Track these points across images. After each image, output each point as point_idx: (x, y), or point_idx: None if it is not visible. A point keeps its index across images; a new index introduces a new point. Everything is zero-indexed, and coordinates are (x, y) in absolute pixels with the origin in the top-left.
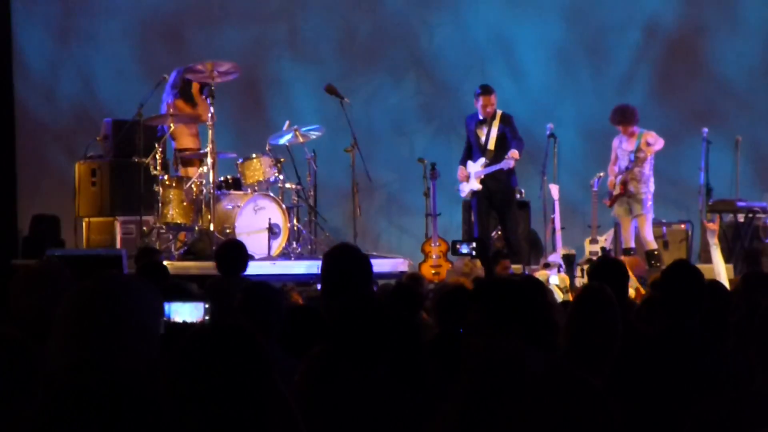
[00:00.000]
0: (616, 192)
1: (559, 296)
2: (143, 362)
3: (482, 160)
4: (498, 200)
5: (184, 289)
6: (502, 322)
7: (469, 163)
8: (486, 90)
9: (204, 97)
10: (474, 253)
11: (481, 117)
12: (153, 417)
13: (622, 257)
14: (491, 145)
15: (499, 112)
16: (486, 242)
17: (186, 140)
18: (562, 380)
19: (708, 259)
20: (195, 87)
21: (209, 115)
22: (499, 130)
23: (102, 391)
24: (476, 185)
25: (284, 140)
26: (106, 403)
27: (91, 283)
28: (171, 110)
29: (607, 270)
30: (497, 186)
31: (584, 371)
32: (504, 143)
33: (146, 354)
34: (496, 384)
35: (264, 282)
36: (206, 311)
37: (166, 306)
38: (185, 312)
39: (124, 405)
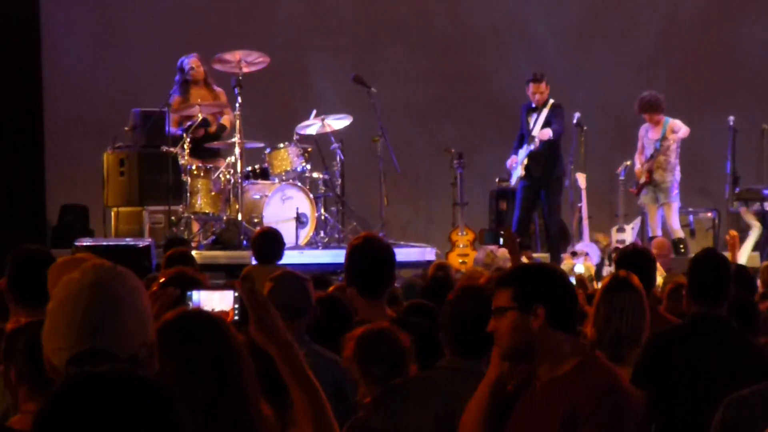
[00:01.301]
0: (642, 180)
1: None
2: (143, 345)
3: (528, 148)
4: (541, 185)
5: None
6: (527, 306)
7: (520, 150)
8: (536, 78)
9: (210, 88)
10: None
11: (533, 105)
12: (159, 398)
13: (655, 239)
14: (536, 133)
15: (550, 101)
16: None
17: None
18: (586, 365)
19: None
20: (197, 77)
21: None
22: (546, 117)
23: (110, 379)
24: (520, 171)
25: (311, 130)
26: (117, 391)
27: (80, 272)
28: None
29: (634, 258)
30: (541, 172)
31: (611, 360)
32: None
33: (144, 336)
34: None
35: (292, 271)
36: (235, 299)
37: (195, 294)
38: (215, 301)
39: (132, 391)
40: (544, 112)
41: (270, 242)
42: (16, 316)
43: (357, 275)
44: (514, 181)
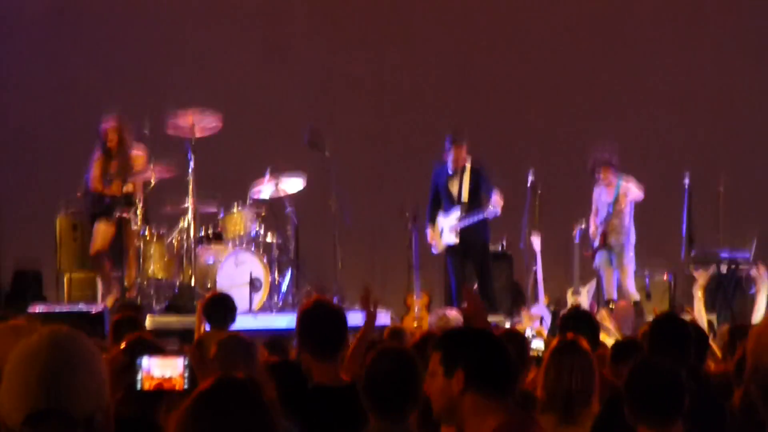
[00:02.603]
0: (597, 243)
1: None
2: (98, 408)
3: (457, 213)
4: (475, 252)
5: (158, 346)
6: (450, 369)
7: (441, 218)
8: (458, 141)
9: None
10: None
11: (450, 171)
12: None
13: (616, 303)
14: (465, 197)
15: (468, 163)
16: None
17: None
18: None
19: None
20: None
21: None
22: (471, 181)
23: None
24: (452, 239)
25: (265, 193)
26: None
27: (37, 335)
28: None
29: (578, 321)
30: (474, 238)
31: (562, 422)
32: (478, 194)
33: (100, 400)
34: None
35: (237, 335)
36: (185, 367)
37: (145, 360)
38: (166, 367)
39: None
40: (466, 176)
41: (221, 307)
42: None
43: (309, 338)
44: (439, 249)
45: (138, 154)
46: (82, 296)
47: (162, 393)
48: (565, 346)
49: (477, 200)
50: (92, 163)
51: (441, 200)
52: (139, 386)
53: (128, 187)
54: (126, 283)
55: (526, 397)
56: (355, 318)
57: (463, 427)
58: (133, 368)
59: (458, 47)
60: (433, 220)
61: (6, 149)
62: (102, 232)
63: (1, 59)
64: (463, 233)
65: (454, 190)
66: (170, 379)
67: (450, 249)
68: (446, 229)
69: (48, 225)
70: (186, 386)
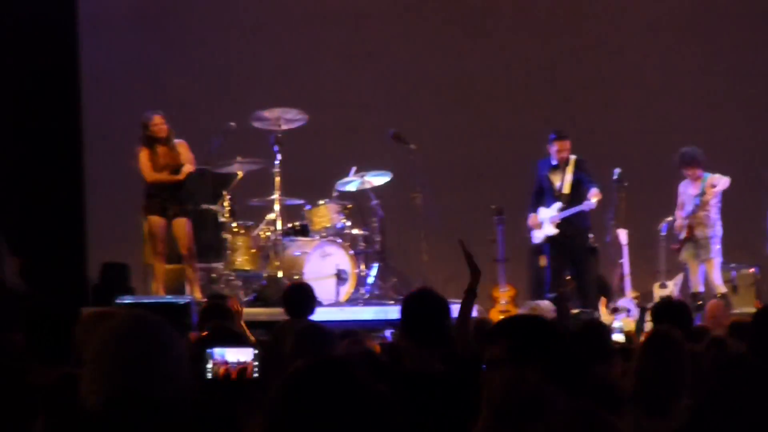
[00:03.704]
0: (683, 236)
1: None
2: (177, 393)
3: (558, 205)
4: (574, 245)
5: (237, 335)
6: (523, 359)
7: (541, 209)
8: (561, 135)
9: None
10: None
11: (555, 162)
12: None
13: (709, 302)
14: (566, 190)
15: (573, 158)
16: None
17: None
18: (583, 420)
19: None
20: (152, 131)
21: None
22: (574, 175)
23: (145, 421)
24: (552, 230)
25: (351, 186)
26: None
27: (118, 319)
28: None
29: (670, 311)
30: (573, 230)
31: (652, 414)
32: (579, 188)
33: (179, 385)
34: (515, 420)
35: (317, 324)
36: (255, 356)
37: (217, 350)
38: (236, 356)
39: None
40: (569, 170)
41: (299, 296)
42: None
43: (413, 324)
44: (539, 239)
45: (182, 143)
46: (170, 288)
47: (232, 382)
48: (658, 337)
49: (578, 194)
50: (136, 158)
51: (544, 192)
52: (209, 375)
53: (180, 176)
54: (213, 275)
55: (611, 389)
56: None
57: (534, 420)
58: (202, 358)
59: (544, 44)
60: (534, 210)
61: (95, 146)
62: (157, 224)
63: (91, 61)
64: (564, 225)
65: (557, 182)
66: (240, 368)
67: (549, 240)
68: (547, 220)
69: (136, 218)
70: (256, 375)
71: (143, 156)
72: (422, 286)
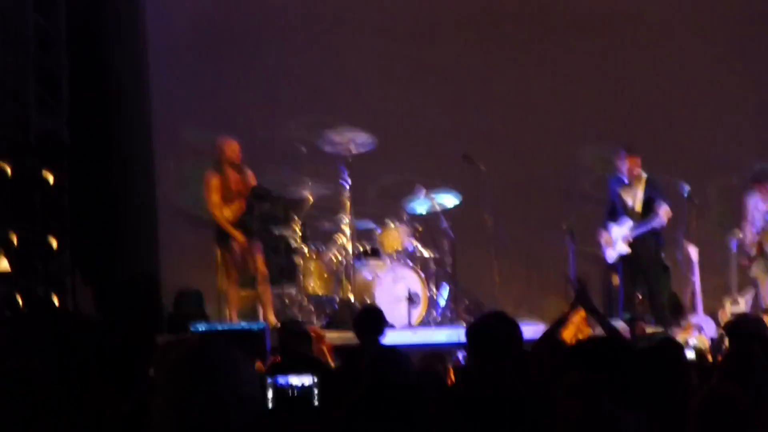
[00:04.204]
0: (754, 253)
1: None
2: (246, 418)
3: (629, 223)
4: (646, 263)
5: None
6: (601, 386)
7: (613, 227)
8: (632, 151)
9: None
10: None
11: (626, 180)
12: None
13: None
14: (638, 208)
15: (644, 175)
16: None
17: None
18: None
19: None
20: (227, 156)
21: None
22: (645, 192)
23: None
24: (625, 248)
25: (421, 209)
26: None
27: (188, 346)
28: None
29: (746, 327)
30: (645, 248)
31: None
32: (651, 205)
33: (248, 410)
34: None
35: (389, 348)
36: (315, 383)
37: (280, 378)
38: (296, 383)
39: None
40: (641, 186)
41: (368, 319)
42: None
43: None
44: (613, 258)
45: (251, 173)
46: (244, 314)
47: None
48: (739, 353)
49: (650, 211)
50: (206, 183)
51: (616, 210)
52: (270, 404)
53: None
54: (287, 300)
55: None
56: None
57: None
58: (263, 386)
59: (612, 62)
60: (606, 227)
61: (167, 173)
62: (230, 250)
63: (159, 88)
64: (635, 243)
65: (629, 199)
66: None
67: (620, 258)
68: (619, 239)
69: (208, 244)
70: (316, 403)
71: (214, 183)
72: (492, 310)
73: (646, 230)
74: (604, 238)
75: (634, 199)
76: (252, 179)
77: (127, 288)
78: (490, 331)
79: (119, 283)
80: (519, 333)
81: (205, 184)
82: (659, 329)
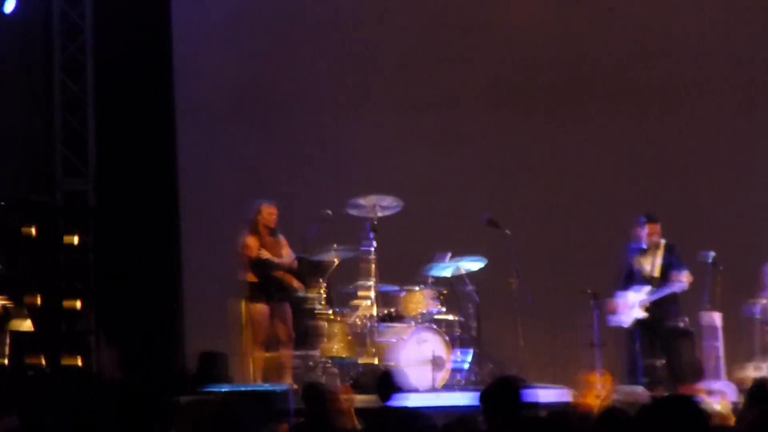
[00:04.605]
0: None
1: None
2: None
3: (647, 288)
4: (663, 328)
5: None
6: None
7: (629, 293)
8: (651, 218)
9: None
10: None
11: (645, 246)
12: None
13: None
14: (656, 273)
15: (663, 242)
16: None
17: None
18: None
19: None
20: (265, 219)
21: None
22: (664, 259)
23: None
24: (641, 313)
25: (446, 272)
26: None
27: (209, 406)
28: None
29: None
30: (662, 313)
31: None
32: (669, 272)
33: None
34: None
35: (416, 410)
36: None
37: None
38: None
39: None
40: (659, 254)
41: (382, 382)
42: None
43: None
44: (628, 323)
45: (284, 239)
46: (269, 376)
47: None
48: (762, 416)
49: (668, 277)
50: (244, 243)
51: (633, 276)
52: None
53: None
54: (311, 363)
55: None
56: (541, 394)
57: None
58: None
59: (635, 127)
60: (617, 296)
61: (192, 234)
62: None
63: (187, 148)
64: (652, 308)
65: (647, 266)
66: None
67: (637, 324)
68: (636, 304)
69: (231, 306)
70: None
71: (253, 242)
72: (502, 376)
73: (665, 295)
74: (609, 304)
75: (653, 265)
76: (287, 245)
77: (150, 349)
78: (499, 394)
79: (142, 344)
80: (527, 395)
81: (242, 245)
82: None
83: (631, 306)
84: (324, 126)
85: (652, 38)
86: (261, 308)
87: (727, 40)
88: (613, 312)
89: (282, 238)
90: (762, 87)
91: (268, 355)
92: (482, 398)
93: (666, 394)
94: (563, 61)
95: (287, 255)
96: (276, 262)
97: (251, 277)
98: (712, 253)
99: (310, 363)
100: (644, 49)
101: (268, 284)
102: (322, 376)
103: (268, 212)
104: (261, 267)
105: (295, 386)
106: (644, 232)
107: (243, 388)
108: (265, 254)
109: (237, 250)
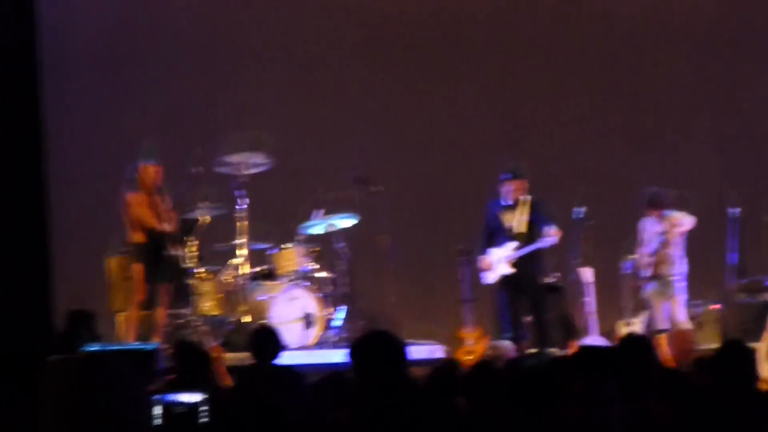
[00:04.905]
0: (649, 274)
1: None
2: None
3: (512, 244)
4: (529, 284)
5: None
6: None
7: (494, 250)
8: (516, 174)
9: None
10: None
11: (509, 202)
12: None
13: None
14: (522, 229)
15: (528, 198)
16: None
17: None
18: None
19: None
20: (144, 181)
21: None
22: (531, 215)
23: None
24: (507, 269)
25: (317, 230)
26: None
27: (78, 365)
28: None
29: (635, 346)
30: (528, 270)
31: None
32: (534, 228)
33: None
34: None
35: (288, 367)
36: (203, 401)
37: (170, 396)
38: (186, 401)
39: None
40: (524, 210)
41: (265, 340)
42: None
43: (366, 371)
44: (494, 279)
45: (168, 196)
46: (140, 335)
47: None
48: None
49: (534, 233)
50: (129, 203)
51: (494, 233)
52: (157, 421)
53: (173, 225)
54: (180, 321)
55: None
56: (413, 350)
57: None
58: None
59: (505, 85)
60: (484, 252)
61: (58, 193)
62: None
63: (54, 106)
64: (517, 264)
65: (510, 222)
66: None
67: (503, 280)
68: (502, 259)
69: (100, 265)
70: (207, 419)
71: (135, 200)
72: (373, 329)
73: (532, 251)
74: (481, 262)
75: (519, 221)
76: (170, 203)
77: (17, 309)
78: (372, 348)
79: (8, 304)
80: (402, 349)
81: (128, 205)
82: (543, 350)
83: (498, 262)
84: (195, 82)
85: None
86: (140, 268)
87: None
88: (488, 268)
89: (168, 199)
90: (627, 45)
91: (143, 313)
92: (352, 352)
93: (532, 350)
94: (433, 19)
95: (171, 218)
96: (158, 230)
97: (134, 237)
98: (583, 209)
99: (181, 321)
100: (514, 6)
101: (150, 244)
102: (194, 335)
103: (150, 171)
104: (143, 227)
105: (166, 345)
106: (505, 188)
107: (114, 347)
108: (148, 219)
109: (121, 209)
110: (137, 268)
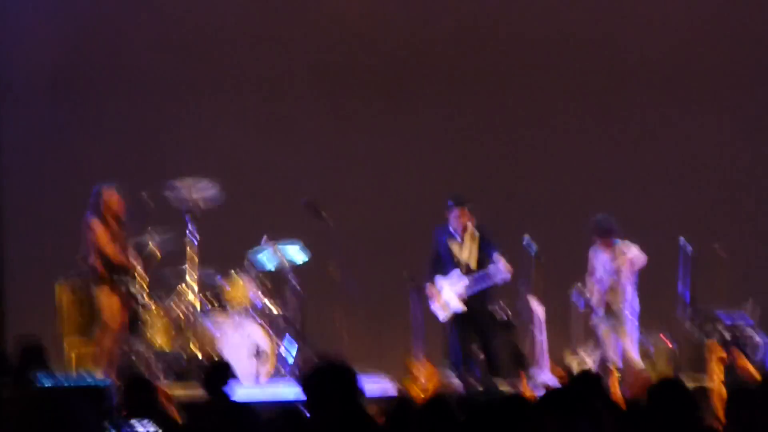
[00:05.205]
0: (598, 307)
1: None
2: None
3: (460, 276)
4: (479, 320)
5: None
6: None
7: (443, 281)
8: (460, 201)
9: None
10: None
11: (457, 229)
12: None
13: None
14: (467, 259)
15: (476, 231)
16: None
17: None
18: None
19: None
20: (108, 208)
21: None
22: (477, 244)
23: None
24: (460, 306)
25: (270, 265)
26: None
27: (28, 397)
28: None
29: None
30: (478, 306)
31: None
32: (485, 261)
33: None
34: None
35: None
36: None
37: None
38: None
39: None
40: (471, 238)
41: (218, 375)
42: None
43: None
44: (446, 316)
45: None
46: (87, 364)
47: None
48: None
49: (480, 263)
50: (93, 230)
51: (442, 261)
52: None
53: (133, 260)
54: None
55: None
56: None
57: None
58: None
59: (456, 115)
60: (432, 280)
61: (8, 219)
62: (113, 302)
63: (5, 130)
64: (468, 301)
65: (456, 251)
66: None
67: (455, 317)
68: (454, 295)
69: (51, 293)
70: None
71: (99, 228)
72: (324, 360)
73: (486, 286)
74: (429, 289)
75: (470, 254)
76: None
77: None
78: (324, 382)
79: None
80: (355, 380)
81: (90, 230)
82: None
83: (448, 300)
84: (147, 109)
85: (480, 25)
86: (112, 296)
87: (553, 23)
88: (435, 297)
89: (126, 229)
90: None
91: (94, 342)
92: (305, 387)
93: (479, 388)
94: (385, 50)
95: (128, 250)
96: (115, 263)
97: (95, 263)
98: (527, 237)
99: (132, 355)
100: (471, 36)
101: (109, 272)
102: (145, 370)
103: (111, 198)
104: (102, 255)
105: (117, 380)
106: (453, 215)
107: (68, 383)
108: (109, 249)
109: (82, 232)
110: (105, 295)
